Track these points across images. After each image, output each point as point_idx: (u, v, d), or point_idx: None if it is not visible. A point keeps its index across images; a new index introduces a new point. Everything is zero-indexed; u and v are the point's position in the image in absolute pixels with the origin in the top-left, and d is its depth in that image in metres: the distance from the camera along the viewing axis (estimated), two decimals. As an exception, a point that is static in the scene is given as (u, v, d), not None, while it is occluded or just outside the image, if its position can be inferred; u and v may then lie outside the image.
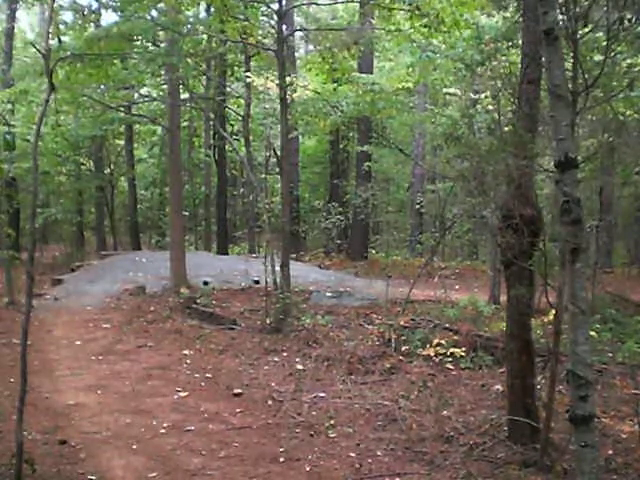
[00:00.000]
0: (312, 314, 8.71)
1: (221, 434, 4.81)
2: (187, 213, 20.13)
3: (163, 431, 4.86)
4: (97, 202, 20.96)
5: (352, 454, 4.41)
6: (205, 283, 11.68)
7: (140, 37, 10.42)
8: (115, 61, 11.33)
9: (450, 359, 6.58)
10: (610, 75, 4.38)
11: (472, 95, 10.43)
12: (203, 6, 15.17)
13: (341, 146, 21.88)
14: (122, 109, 15.82)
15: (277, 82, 10.02)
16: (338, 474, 4.10)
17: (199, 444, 4.58)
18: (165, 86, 13.25)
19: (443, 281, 10.48)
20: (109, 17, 40.04)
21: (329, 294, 10.70)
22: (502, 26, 7.67)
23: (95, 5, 15.81)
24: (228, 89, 17.62)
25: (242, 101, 16.07)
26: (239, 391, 5.89)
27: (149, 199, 25.34)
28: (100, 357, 7.25)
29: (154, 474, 4.07)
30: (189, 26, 11.03)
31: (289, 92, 10.99)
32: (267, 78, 13.63)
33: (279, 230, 10.11)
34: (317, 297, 10.52)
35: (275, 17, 10.01)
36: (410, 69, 11.97)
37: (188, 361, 7.05)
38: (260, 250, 19.44)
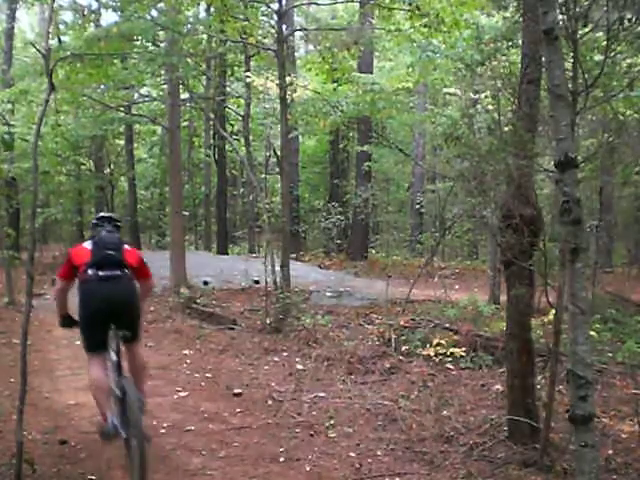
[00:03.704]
0: (312, 314, 8.71)
1: (221, 434, 4.81)
2: (187, 213, 20.15)
3: (163, 431, 4.86)
4: (97, 202, 21.00)
5: (352, 454, 4.41)
6: (205, 283, 11.70)
7: (140, 37, 10.42)
8: (115, 61, 11.36)
9: (450, 359, 6.58)
10: (610, 75, 4.38)
11: (472, 95, 10.41)
12: (203, 6, 15.17)
13: (341, 146, 21.91)
14: (122, 109, 15.84)
15: (277, 82, 10.02)
16: (338, 474, 4.10)
17: (199, 444, 4.58)
18: (165, 86, 13.26)
19: (443, 281, 10.48)
20: (109, 17, 40.08)
21: (329, 294, 10.71)
22: (502, 26, 7.66)
23: (95, 5, 15.87)
24: (228, 89, 17.64)
25: (242, 101, 16.09)
26: (239, 391, 5.88)
27: (149, 199, 25.39)
28: (100, 357, 7.24)
29: (154, 474, 4.07)
30: (189, 26, 11.04)
31: (289, 92, 11.00)
32: (267, 78, 13.65)
33: (279, 230, 10.12)
34: (317, 297, 10.53)
35: (275, 17, 10.01)
36: (410, 69, 11.98)
37: (188, 361, 7.05)
38: (260, 250, 19.46)
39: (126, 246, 4.43)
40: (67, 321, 4.54)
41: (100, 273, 4.18)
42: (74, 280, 4.35)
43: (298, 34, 20.29)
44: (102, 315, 4.15)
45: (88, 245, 4.37)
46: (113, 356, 4.16)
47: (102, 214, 4.73)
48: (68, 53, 9.85)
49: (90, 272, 4.18)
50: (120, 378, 4.09)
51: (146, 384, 4.61)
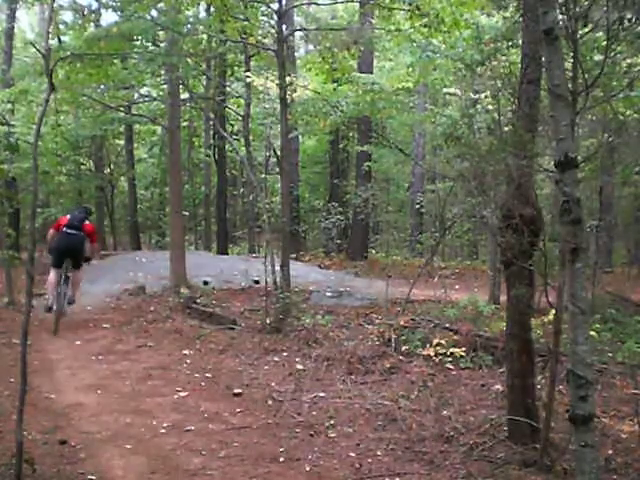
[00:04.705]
0: (312, 314, 8.70)
1: (221, 434, 4.81)
2: (187, 213, 20.13)
3: (163, 431, 4.86)
4: (97, 202, 20.96)
5: (352, 454, 4.41)
6: (205, 283, 11.69)
7: (140, 37, 10.40)
8: (115, 61, 11.33)
9: (450, 359, 6.57)
10: (610, 75, 4.38)
11: (472, 95, 10.42)
12: (203, 6, 15.17)
13: (341, 146, 21.90)
14: (122, 109, 15.84)
15: (277, 82, 10.02)
16: (338, 474, 4.10)
17: (199, 444, 4.58)
18: (165, 86, 13.25)
19: (443, 281, 10.48)
20: (109, 17, 40.10)
21: (329, 294, 10.69)
22: (502, 26, 7.67)
23: (95, 5, 15.84)
24: (228, 89, 17.63)
25: (242, 101, 16.08)
26: (239, 391, 5.88)
27: (149, 199, 25.36)
28: (100, 357, 7.25)
29: (154, 474, 4.07)
30: (189, 26, 11.02)
31: (289, 92, 10.99)
32: (267, 78, 13.65)
33: (279, 230, 10.11)
34: (317, 297, 10.52)
35: (275, 17, 10.01)
36: (410, 69, 11.97)
37: (188, 361, 7.05)
38: (260, 250, 19.47)
39: (86, 222, 8.84)
40: (50, 250, 8.84)
41: (68, 231, 8.60)
42: (58, 232, 8.66)
43: (298, 34, 20.31)
44: (63, 251, 8.60)
45: (68, 216, 8.88)
46: (63, 274, 8.55)
47: (81, 205, 10.63)
48: (68, 53, 9.83)
49: (64, 229, 8.60)
50: (63, 284, 8.50)
51: (78, 293, 9.05)
